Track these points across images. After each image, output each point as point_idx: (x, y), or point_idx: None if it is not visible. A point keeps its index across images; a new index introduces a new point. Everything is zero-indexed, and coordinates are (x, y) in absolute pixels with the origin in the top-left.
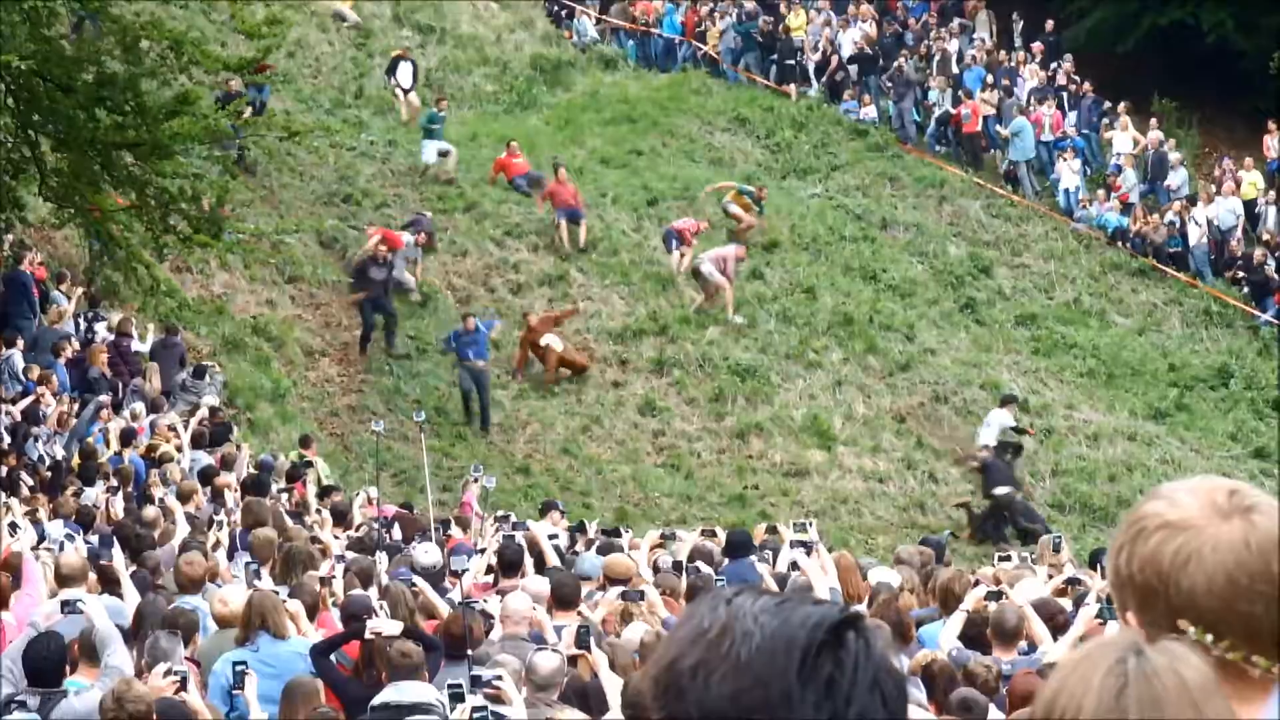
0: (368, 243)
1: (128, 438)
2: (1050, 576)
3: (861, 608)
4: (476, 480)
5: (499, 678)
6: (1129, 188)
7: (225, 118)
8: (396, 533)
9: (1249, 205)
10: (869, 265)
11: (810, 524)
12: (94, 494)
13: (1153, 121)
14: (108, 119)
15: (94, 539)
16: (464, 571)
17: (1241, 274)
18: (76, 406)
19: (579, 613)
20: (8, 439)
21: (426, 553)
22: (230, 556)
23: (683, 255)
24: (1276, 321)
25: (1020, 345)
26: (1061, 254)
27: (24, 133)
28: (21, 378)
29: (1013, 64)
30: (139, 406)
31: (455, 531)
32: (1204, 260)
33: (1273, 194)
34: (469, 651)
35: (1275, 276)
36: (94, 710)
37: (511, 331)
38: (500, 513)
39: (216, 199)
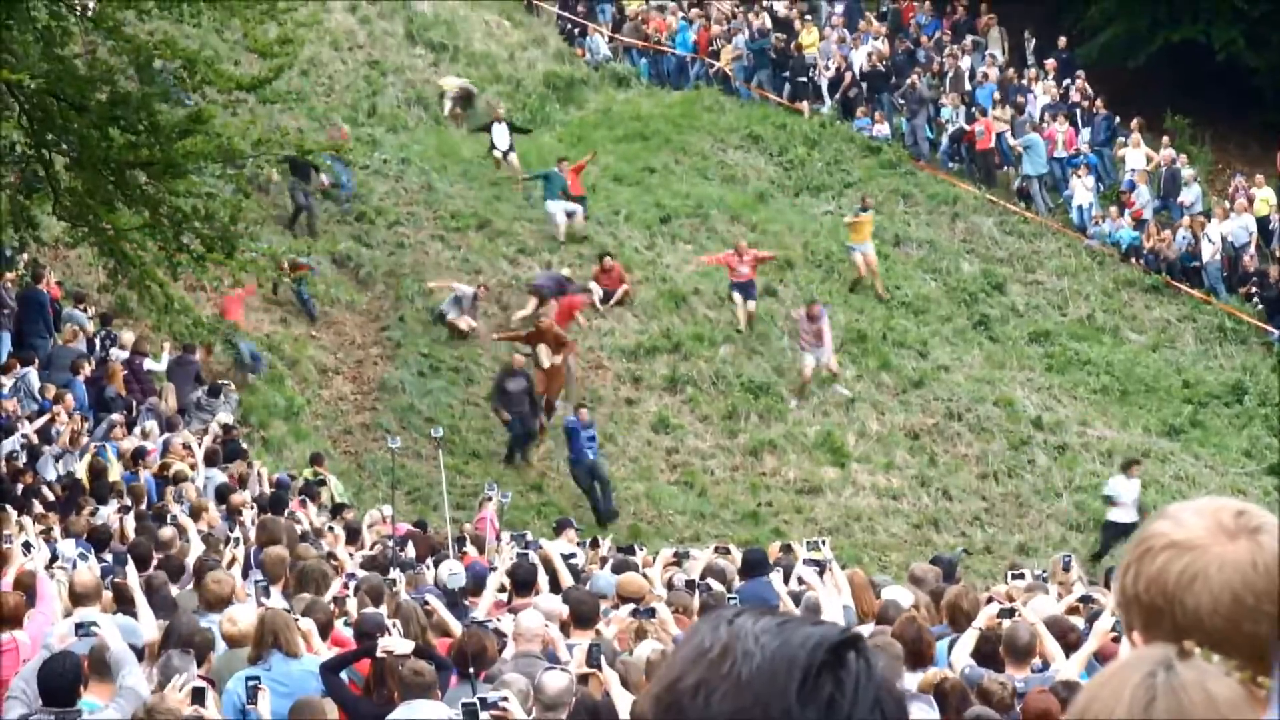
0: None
1: (139, 456)
2: (1060, 596)
3: (866, 628)
4: (491, 499)
5: (505, 698)
6: (1142, 204)
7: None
8: (410, 551)
9: (1262, 222)
10: (882, 282)
11: (823, 542)
12: (107, 513)
13: (1165, 138)
14: (121, 138)
15: (108, 558)
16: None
17: (1255, 290)
18: (89, 425)
19: (597, 631)
20: (23, 457)
21: (453, 573)
22: (245, 575)
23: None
24: None
25: (1034, 362)
26: (1075, 270)
27: (38, 152)
28: (38, 396)
29: (1025, 81)
30: (151, 425)
31: (470, 550)
32: (1217, 277)
33: None
34: (470, 670)
35: None
36: None
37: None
38: (516, 532)
39: (229, 217)
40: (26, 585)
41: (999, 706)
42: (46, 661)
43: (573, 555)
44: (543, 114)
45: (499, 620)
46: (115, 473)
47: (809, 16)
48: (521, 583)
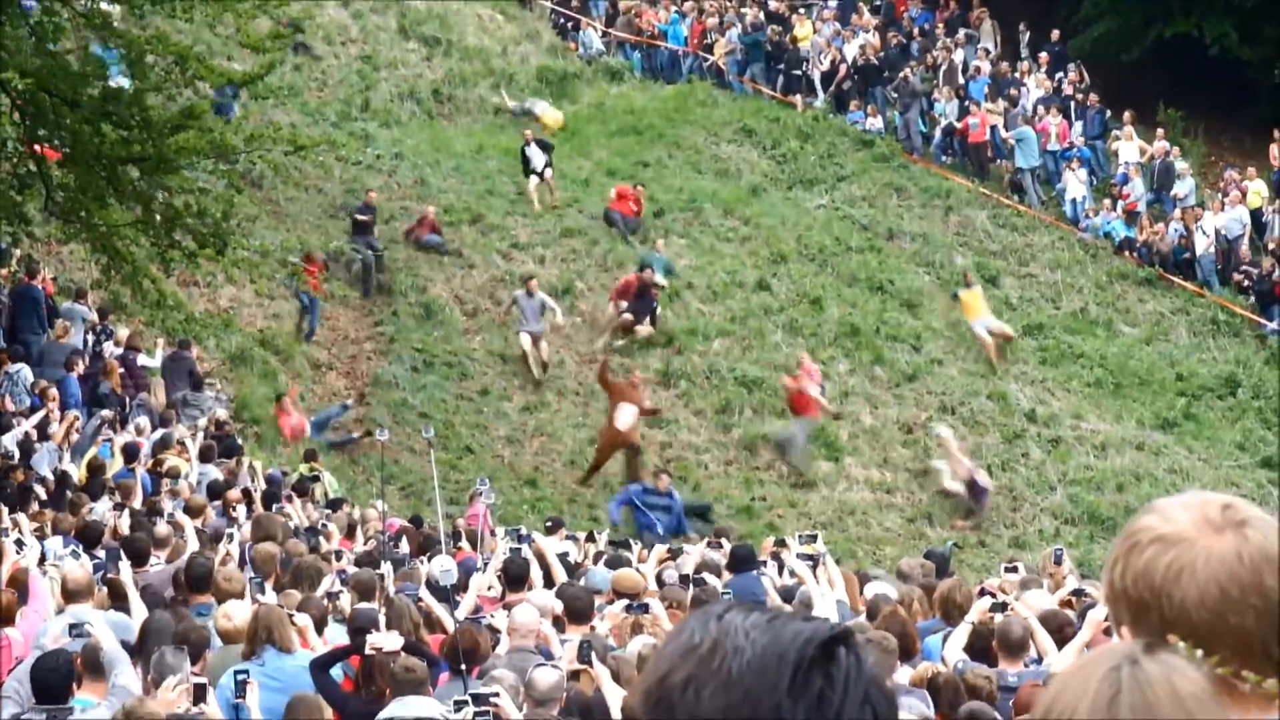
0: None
1: (132, 453)
2: (1053, 590)
3: (859, 621)
4: (482, 494)
5: (496, 694)
6: (1135, 197)
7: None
8: (404, 546)
9: (1255, 214)
10: (875, 276)
11: (817, 536)
12: (101, 509)
13: (1159, 131)
14: (113, 133)
15: (100, 554)
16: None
17: (1248, 283)
18: (82, 421)
19: (591, 627)
20: (16, 454)
21: (446, 570)
22: (240, 567)
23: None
24: None
25: (1027, 355)
26: (1068, 264)
27: (30, 147)
28: (29, 392)
29: (1018, 74)
30: (143, 421)
31: (465, 545)
32: (1211, 269)
33: (1279, 203)
34: (462, 667)
35: None
36: None
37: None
38: (510, 527)
39: (222, 213)
40: (19, 583)
41: (984, 700)
42: (39, 659)
43: (565, 554)
44: None
45: (492, 616)
46: (113, 470)
47: (802, 10)
48: (514, 578)
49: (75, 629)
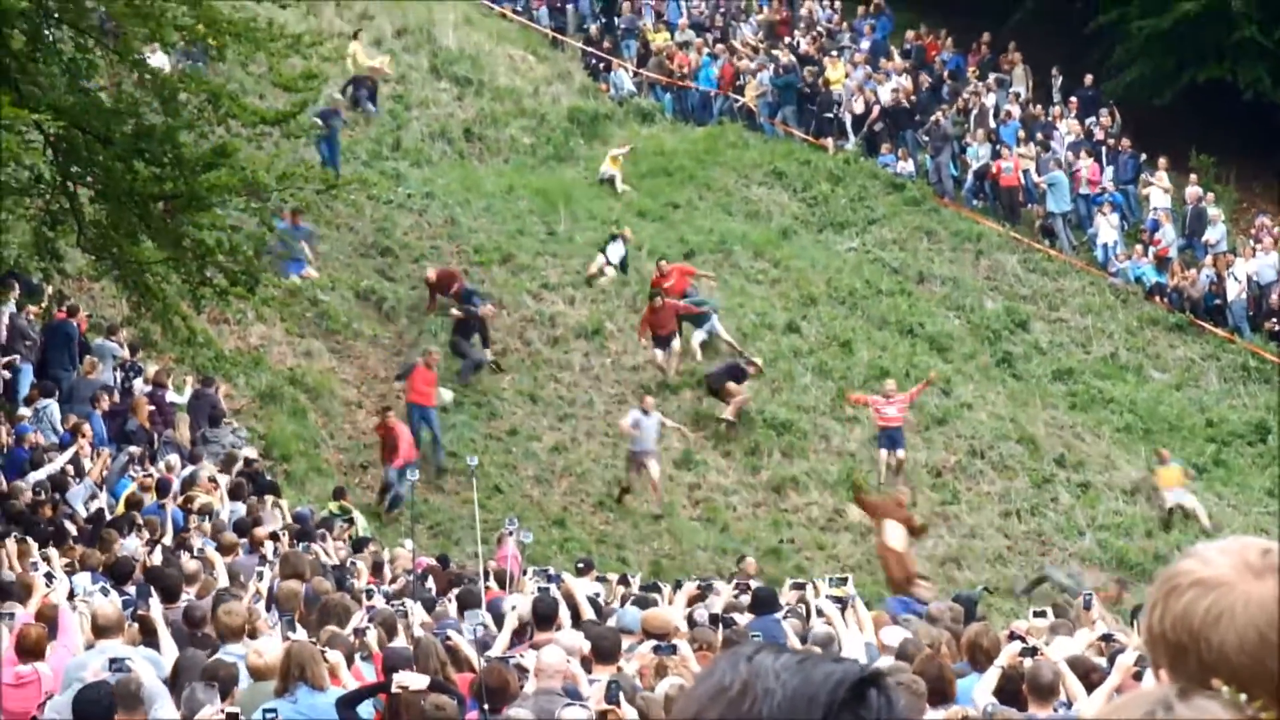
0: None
1: (164, 489)
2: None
3: (895, 663)
4: (512, 534)
5: None
6: (1167, 242)
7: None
8: (430, 585)
9: None
10: (905, 319)
11: (848, 579)
12: (131, 546)
13: (1191, 176)
14: (145, 170)
15: (131, 590)
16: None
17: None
18: (110, 458)
19: (619, 667)
20: (46, 489)
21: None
22: (269, 608)
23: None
24: None
25: (1057, 400)
26: (1099, 308)
27: (62, 184)
28: (59, 428)
29: (1050, 118)
30: (173, 458)
31: (493, 585)
32: (1242, 315)
33: None
34: (485, 706)
35: None
36: None
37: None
38: (539, 567)
39: (253, 251)
40: (49, 617)
41: None
42: (81, 691)
43: (596, 595)
44: (567, 149)
45: (521, 656)
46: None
47: (835, 53)
48: (543, 617)
49: (115, 663)
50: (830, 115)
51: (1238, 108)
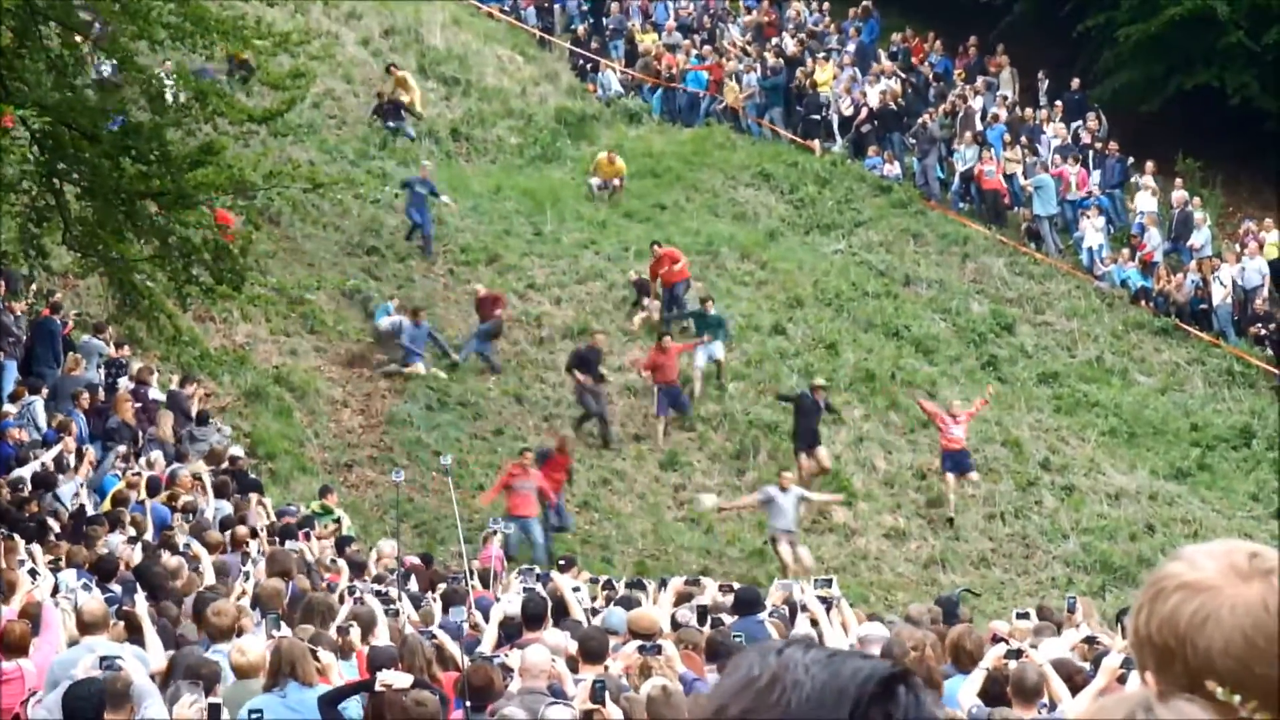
0: None
1: (154, 486)
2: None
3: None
4: (496, 532)
5: None
6: (1153, 247)
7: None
8: (413, 584)
9: (1273, 265)
10: (891, 321)
11: (833, 581)
12: (116, 542)
13: (1177, 181)
14: (132, 168)
15: (115, 587)
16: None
17: (1265, 334)
18: (95, 455)
19: (605, 667)
20: (28, 486)
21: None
22: (253, 606)
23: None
24: None
25: (1042, 403)
26: (1084, 312)
27: (48, 181)
28: (41, 425)
29: (1037, 121)
30: (157, 455)
31: (477, 584)
32: (1227, 320)
33: None
34: (469, 704)
35: None
36: None
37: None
38: (526, 567)
39: (239, 250)
40: (32, 614)
41: None
42: (71, 688)
43: (578, 588)
44: (554, 149)
45: (506, 655)
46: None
47: (822, 55)
48: (531, 616)
49: (106, 661)
50: (818, 117)
51: (1224, 113)
